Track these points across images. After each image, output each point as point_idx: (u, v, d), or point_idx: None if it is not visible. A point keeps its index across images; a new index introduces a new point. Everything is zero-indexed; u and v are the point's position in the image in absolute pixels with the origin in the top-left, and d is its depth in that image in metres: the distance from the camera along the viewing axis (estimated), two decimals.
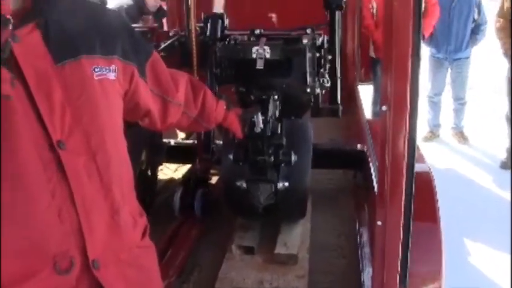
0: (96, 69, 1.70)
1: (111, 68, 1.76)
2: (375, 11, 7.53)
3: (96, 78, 1.69)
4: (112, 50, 1.80)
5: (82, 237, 1.62)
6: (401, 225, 2.34)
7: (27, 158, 1.49)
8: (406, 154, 2.22)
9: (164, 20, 6.85)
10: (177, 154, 4.47)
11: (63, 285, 1.61)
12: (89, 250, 1.64)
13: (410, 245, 2.37)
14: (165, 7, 7.13)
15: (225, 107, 2.73)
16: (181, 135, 5.08)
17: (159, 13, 7.12)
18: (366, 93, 7.31)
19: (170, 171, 4.72)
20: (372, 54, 7.62)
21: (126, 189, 1.85)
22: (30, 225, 1.52)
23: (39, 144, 1.51)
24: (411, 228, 2.36)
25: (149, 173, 4.05)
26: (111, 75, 1.76)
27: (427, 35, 7.88)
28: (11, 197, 1.48)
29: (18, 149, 1.47)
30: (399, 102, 2.16)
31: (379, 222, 2.39)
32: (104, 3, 6.41)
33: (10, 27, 1.44)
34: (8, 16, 1.43)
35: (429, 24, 7.66)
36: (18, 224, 1.50)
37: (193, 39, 3.76)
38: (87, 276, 1.66)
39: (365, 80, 7.32)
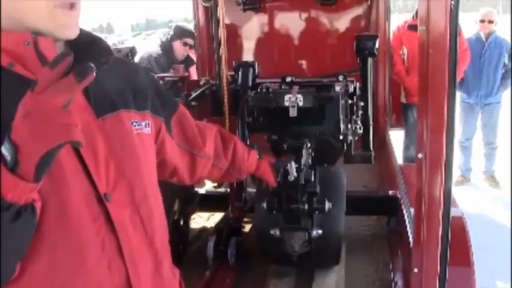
0: (134, 123, 1.74)
1: (145, 122, 1.80)
2: (405, 57, 7.54)
3: (134, 132, 1.73)
4: (144, 105, 1.84)
5: None
6: (438, 271, 2.32)
7: (78, 212, 1.50)
8: (442, 202, 2.21)
9: (192, 69, 6.89)
10: (209, 203, 4.47)
11: None
12: None
13: None
14: (192, 55, 7.19)
15: (257, 157, 2.74)
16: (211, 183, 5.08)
17: (187, 61, 7.16)
18: (397, 138, 7.30)
19: (203, 220, 4.71)
20: (403, 100, 7.61)
21: (165, 240, 1.86)
22: (82, 278, 1.53)
23: (88, 198, 1.52)
24: (447, 273, 2.34)
25: (182, 222, 4.05)
26: (147, 130, 1.80)
27: (458, 80, 7.86)
28: (63, 251, 1.48)
29: (69, 202, 1.48)
30: (435, 149, 2.16)
31: (415, 270, 2.37)
32: (134, 53, 6.50)
33: None
34: None
35: (460, 70, 7.63)
36: (70, 277, 1.51)
37: (225, 87, 3.78)
38: None
39: (396, 125, 7.30)
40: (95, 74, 1.20)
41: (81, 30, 1.58)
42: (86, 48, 1.60)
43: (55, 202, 1.43)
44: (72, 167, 1.49)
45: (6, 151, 1.22)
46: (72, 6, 1.48)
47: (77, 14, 1.50)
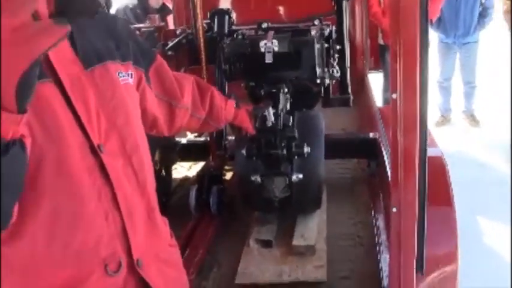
0: (120, 74, 1.74)
1: (128, 73, 1.79)
2: None
3: (121, 82, 1.73)
4: (127, 56, 1.83)
5: (126, 238, 1.65)
6: (416, 210, 2.34)
7: (75, 163, 1.51)
8: (418, 140, 2.23)
9: (169, 18, 6.85)
10: (190, 152, 4.48)
11: (112, 287, 1.64)
12: (133, 250, 1.68)
13: (425, 229, 2.38)
14: (169, 5, 7.14)
15: (234, 106, 2.75)
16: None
17: (163, 11, 7.12)
18: (376, 81, 7.31)
19: (184, 170, 4.73)
20: (381, 41, 7.60)
21: (154, 189, 1.88)
22: (81, 229, 1.55)
23: (82, 149, 1.53)
24: (426, 212, 2.37)
25: (163, 172, 4.06)
26: (131, 80, 1.80)
27: (433, 19, 7.85)
28: (63, 203, 1.50)
29: (66, 153, 1.48)
30: (409, 88, 2.16)
31: (394, 209, 2.39)
32: (109, 5, 6.44)
33: None
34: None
35: (436, 9, 7.60)
36: (69, 230, 1.53)
37: (201, 36, 3.76)
38: (133, 276, 1.70)
39: (375, 68, 7.31)
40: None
41: None
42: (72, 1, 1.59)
43: (52, 154, 1.43)
44: (66, 118, 1.48)
45: None
46: None
47: None
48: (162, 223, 1.93)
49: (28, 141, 1.33)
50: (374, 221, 3.53)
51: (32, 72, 1.20)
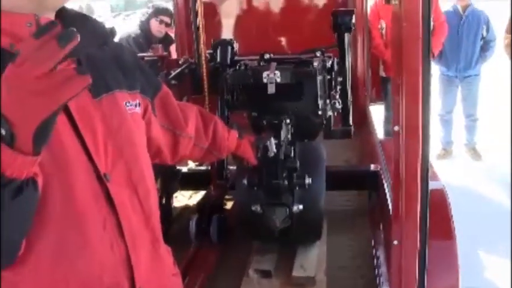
0: (127, 104, 1.75)
1: (136, 102, 1.81)
2: (383, 30, 7.56)
3: (128, 112, 1.74)
4: (134, 85, 1.85)
5: (130, 267, 1.65)
6: (417, 243, 2.34)
7: (82, 191, 1.51)
8: (419, 173, 2.23)
9: (172, 48, 6.89)
10: (191, 181, 4.47)
11: None
12: (136, 279, 1.67)
13: (426, 262, 2.38)
14: (172, 34, 7.18)
15: (237, 136, 2.76)
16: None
17: (166, 40, 7.16)
18: (377, 112, 7.32)
19: (185, 199, 4.72)
20: (382, 73, 7.63)
21: (159, 218, 1.88)
22: (86, 257, 1.54)
23: (89, 177, 1.53)
24: (427, 245, 2.37)
25: (164, 201, 4.06)
26: (138, 110, 1.82)
27: (436, 53, 7.89)
28: (68, 231, 1.50)
29: (72, 182, 1.48)
30: (411, 121, 2.17)
31: (395, 242, 2.39)
32: (113, 33, 6.47)
33: None
34: None
35: (438, 42, 7.66)
36: (74, 257, 1.52)
37: (204, 66, 3.78)
38: None
39: (376, 99, 7.32)
40: (79, 39, 1.15)
41: (75, 11, 1.59)
42: (82, 30, 1.60)
43: (59, 182, 1.44)
44: (74, 146, 1.49)
45: (1, 126, 1.18)
46: None
47: None
48: (166, 252, 1.94)
49: (40, 180, 1.33)
50: (374, 252, 3.52)
51: (51, 120, 1.21)
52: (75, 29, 1.15)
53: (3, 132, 1.18)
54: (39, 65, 1.12)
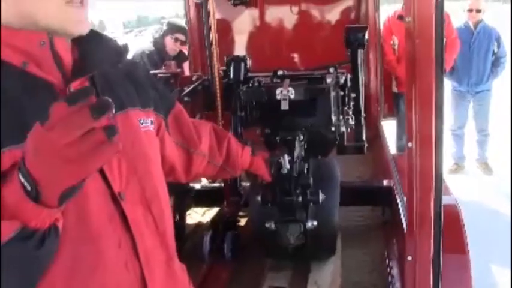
0: (141, 121, 1.76)
1: (150, 120, 1.82)
2: (396, 46, 7.56)
3: (142, 129, 1.75)
4: (148, 103, 1.86)
5: (145, 285, 1.65)
6: (431, 259, 2.34)
7: (96, 211, 1.51)
8: (433, 189, 2.23)
9: (185, 65, 6.89)
10: (204, 198, 4.48)
11: None
12: None
13: (440, 278, 2.37)
14: (185, 51, 7.18)
15: (250, 153, 2.77)
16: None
17: (179, 57, 7.15)
18: (390, 128, 7.31)
19: (198, 216, 4.72)
20: (395, 89, 7.62)
21: (174, 236, 1.89)
22: (100, 277, 1.55)
23: (103, 196, 1.54)
24: (441, 261, 2.37)
25: (177, 218, 4.06)
26: (152, 127, 1.83)
27: (447, 68, 7.89)
28: (83, 250, 1.50)
29: (87, 201, 1.49)
30: (425, 138, 2.18)
31: (409, 258, 2.39)
32: (127, 50, 6.49)
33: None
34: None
35: (450, 58, 7.66)
36: (88, 277, 1.53)
37: (217, 82, 3.80)
38: None
39: (388, 115, 7.31)
40: (114, 110, 1.11)
41: (90, 30, 1.57)
42: (96, 48, 1.61)
43: (73, 201, 1.39)
44: None
45: (25, 181, 1.16)
46: (81, 2, 1.47)
47: (86, 9, 1.50)
48: (181, 270, 1.93)
49: (61, 223, 1.33)
50: (388, 269, 3.51)
51: (79, 186, 1.21)
52: (110, 100, 1.10)
53: (28, 188, 1.17)
54: (69, 133, 1.09)
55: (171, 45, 7.16)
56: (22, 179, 1.17)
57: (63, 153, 1.10)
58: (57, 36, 1.48)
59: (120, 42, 1.81)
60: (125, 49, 1.78)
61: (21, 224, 1.20)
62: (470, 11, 8.42)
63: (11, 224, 1.19)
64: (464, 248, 3.14)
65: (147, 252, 1.66)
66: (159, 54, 7.12)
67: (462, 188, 7.69)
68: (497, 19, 11.51)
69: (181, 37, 7.06)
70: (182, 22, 7.01)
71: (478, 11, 8.41)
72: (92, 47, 1.59)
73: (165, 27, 7.24)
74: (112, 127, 1.12)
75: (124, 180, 1.61)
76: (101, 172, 1.53)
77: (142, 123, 1.76)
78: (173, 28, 7.18)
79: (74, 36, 1.53)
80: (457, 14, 9.00)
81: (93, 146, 1.11)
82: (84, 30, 1.52)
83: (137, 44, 9.45)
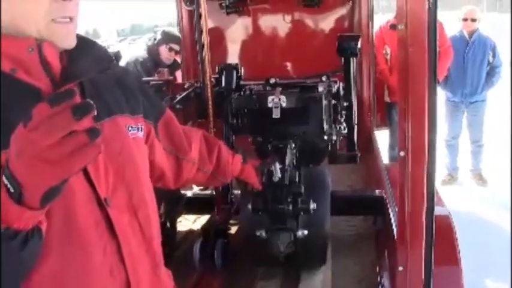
0: (129, 128, 1.76)
1: (138, 126, 1.81)
2: (388, 56, 7.55)
3: (130, 136, 1.75)
4: (137, 109, 1.86)
5: None
6: (422, 269, 2.33)
7: (82, 216, 1.51)
8: (425, 199, 2.22)
9: (178, 72, 6.89)
10: (195, 205, 4.46)
11: None
12: None
13: None
14: (178, 60, 7.18)
15: (241, 161, 2.76)
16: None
17: (173, 66, 7.15)
18: (382, 137, 7.30)
19: (189, 223, 4.71)
20: (387, 99, 7.61)
21: (160, 243, 1.88)
22: (86, 283, 1.55)
23: (89, 202, 1.54)
24: (432, 272, 2.35)
25: (168, 225, 4.05)
26: (140, 134, 1.82)
27: (441, 78, 7.87)
28: (69, 256, 1.50)
29: (73, 207, 1.49)
30: (417, 147, 2.17)
31: (400, 268, 2.38)
32: (118, 58, 6.47)
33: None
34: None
35: (443, 68, 7.63)
36: (74, 283, 1.53)
37: (209, 90, 3.78)
38: None
39: (381, 125, 7.30)
40: (95, 113, 1.09)
41: (78, 35, 1.58)
42: (85, 54, 1.62)
43: (60, 206, 1.43)
44: None
45: (8, 182, 1.17)
46: (70, 19, 1.48)
47: (74, 26, 1.50)
48: (167, 277, 1.93)
49: (44, 226, 1.33)
50: (379, 278, 3.50)
51: (61, 186, 1.20)
52: (91, 102, 1.09)
53: (11, 189, 1.17)
54: (51, 134, 1.09)
55: (166, 55, 7.15)
56: (6, 181, 1.17)
57: (45, 154, 1.10)
58: (45, 42, 1.47)
59: (114, 49, 1.81)
60: (117, 56, 1.78)
61: (4, 225, 1.20)
62: (465, 20, 8.38)
63: None
64: (456, 259, 3.13)
65: (133, 259, 1.65)
66: (153, 61, 7.11)
67: (455, 198, 7.69)
68: (494, 29, 11.49)
69: (176, 47, 7.04)
70: (176, 31, 7.00)
71: (473, 20, 8.37)
72: (81, 53, 1.59)
73: (158, 36, 7.23)
74: (95, 129, 1.11)
75: (111, 186, 1.61)
76: (88, 178, 1.53)
77: (130, 130, 1.76)
78: (168, 37, 7.16)
79: (62, 49, 1.53)
80: (451, 24, 8.97)
81: (75, 148, 1.10)
82: (70, 45, 1.52)
83: (131, 51, 9.44)
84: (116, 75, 1.83)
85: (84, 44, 1.63)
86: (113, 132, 1.67)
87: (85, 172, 1.52)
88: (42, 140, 1.08)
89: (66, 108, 1.07)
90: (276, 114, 2.95)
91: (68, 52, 1.56)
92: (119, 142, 1.69)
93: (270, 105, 2.97)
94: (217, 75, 3.95)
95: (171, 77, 5.18)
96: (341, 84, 3.47)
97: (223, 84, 3.88)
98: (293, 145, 3.04)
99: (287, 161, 2.93)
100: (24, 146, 1.11)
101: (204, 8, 3.80)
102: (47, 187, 1.17)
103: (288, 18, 6.33)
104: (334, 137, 3.26)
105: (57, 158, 1.10)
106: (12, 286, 1.34)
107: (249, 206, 3.03)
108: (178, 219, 4.40)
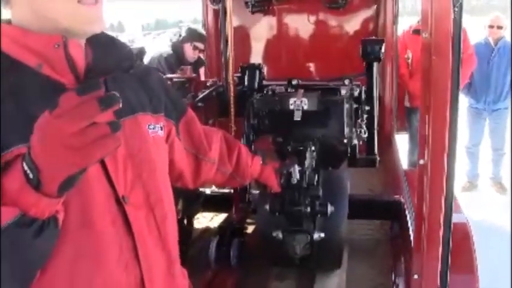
0: (150, 126, 1.78)
1: (159, 125, 1.83)
2: (410, 60, 7.52)
3: (151, 135, 1.76)
4: (159, 108, 1.87)
5: None
6: (438, 278, 2.32)
7: (100, 213, 1.53)
8: (443, 208, 2.21)
9: (201, 70, 6.90)
10: (213, 203, 4.47)
11: None
12: None
13: None
14: (202, 57, 7.18)
15: (260, 162, 2.76)
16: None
17: (197, 63, 7.15)
18: (401, 142, 7.27)
19: (206, 221, 4.72)
20: (407, 103, 7.59)
21: (176, 242, 1.90)
22: (101, 278, 1.56)
23: (107, 199, 1.55)
24: (448, 280, 2.34)
25: (185, 222, 4.06)
26: (161, 133, 1.84)
27: (462, 85, 7.81)
28: (85, 252, 1.52)
29: (91, 203, 1.51)
30: (437, 154, 2.16)
31: (415, 276, 2.37)
32: (142, 54, 6.48)
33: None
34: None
35: (466, 74, 7.58)
36: (89, 278, 1.54)
37: (231, 89, 3.79)
38: None
39: (400, 129, 7.28)
40: (121, 105, 1.14)
41: (104, 33, 1.61)
42: (109, 53, 1.64)
43: (78, 202, 1.45)
44: (94, 168, 1.49)
45: (28, 168, 1.21)
46: (96, 1, 1.49)
47: (100, 7, 1.51)
48: (181, 276, 1.94)
49: (61, 216, 1.35)
50: (394, 286, 3.49)
51: (79, 175, 1.23)
52: (118, 94, 1.14)
53: (30, 175, 1.21)
54: (76, 122, 1.12)
55: (190, 53, 7.14)
56: (25, 167, 1.21)
57: (68, 141, 1.14)
58: (71, 37, 1.49)
59: (138, 44, 1.82)
60: (141, 52, 1.80)
61: (20, 212, 1.23)
62: (491, 27, 8.32)
63: (11, 210, 1.22)
64: (473, 267, 3.11)
65: (148, 256, 1.67)
66: (177, 58, 7.11)
67: (474, 206, 7.64)
68: None
69: (200, 45, 7.03)
70: (201, 29, 6.99)
71: (500, 27, 8.30)
72: (105, 52, 1.61)
73: (183, 33, 7.22)
74: (116, 122, 1.15)
75: (129, 184, 1.62)
76: (107, 175, 1.55)
77: (151, 129, 1.78)
78: (193, 35, 7.15)
79: (88, 35, 1.55)
80: (475, 29, 8.89)
81: (96, 138, 1.14)
82: (97, 29, 1.54)
83: (155, 46, 9.45)
84: (138, 74, 1.85)
85: (109, 42, 1.66)
86: (133, 131, 1.69)
87: (104, 169, 1.54)
88: (67, 127, 1.12)
89: (93, 99, 1.11)
90: (297, 116, 2.95)
91: (93, 50, 1.58)
92: (139, 140, 1.70)
93: (291, 107, 2.97)
94: (240, 74, 3.95)
95: (194, 75, 5.18)
96: (363, 88, 3.46)
97: (245, 83, 3.88)
98: (313, 148, 3.03)
99: (306, 164, 2.93)
100: (49, 132, 1.15)
101: (229, 6, 3.80)
102: (65, 175, 1.20)
103: (312, 19, 6.31)
104: (355, 141, 3.25)
105: (78, 145, 1.14)
106: (26, 275, 1.35)
107: (267, 207, 3.03)
108: (196, 217, 4.41)
